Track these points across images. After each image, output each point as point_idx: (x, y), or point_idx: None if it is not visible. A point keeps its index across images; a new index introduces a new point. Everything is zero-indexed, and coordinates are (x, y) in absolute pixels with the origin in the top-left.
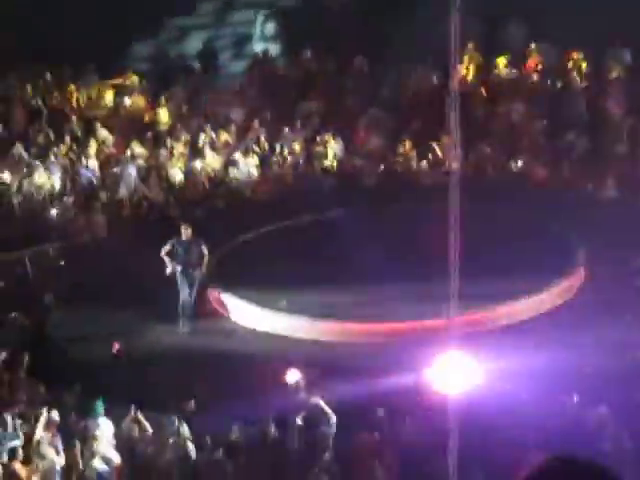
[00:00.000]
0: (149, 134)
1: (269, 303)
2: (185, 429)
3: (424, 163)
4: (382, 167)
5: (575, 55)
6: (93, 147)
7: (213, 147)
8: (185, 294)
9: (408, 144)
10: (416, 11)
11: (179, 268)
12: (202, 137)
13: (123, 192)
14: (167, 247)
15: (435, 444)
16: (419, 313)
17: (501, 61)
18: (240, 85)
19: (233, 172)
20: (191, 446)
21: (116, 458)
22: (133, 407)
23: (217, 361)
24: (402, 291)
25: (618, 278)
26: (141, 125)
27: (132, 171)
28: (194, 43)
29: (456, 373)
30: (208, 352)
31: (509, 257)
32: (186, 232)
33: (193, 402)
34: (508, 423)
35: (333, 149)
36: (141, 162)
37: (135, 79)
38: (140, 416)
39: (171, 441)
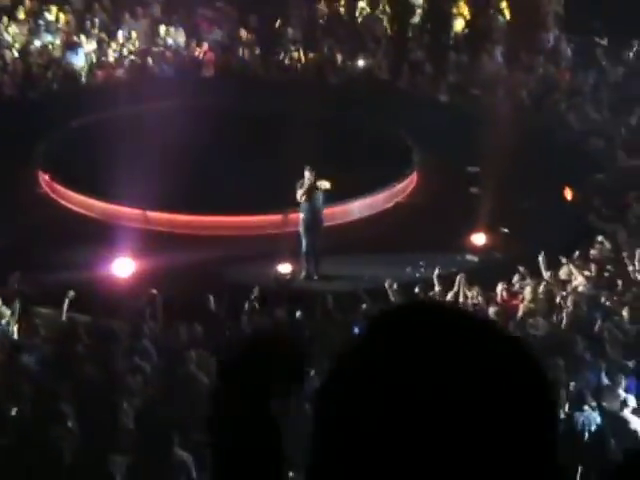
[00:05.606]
0: None
1: (99, 190)
2: None
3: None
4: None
5: None
6: None
7: (51, 29)
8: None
9: (250, 36)
10: None
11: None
12: (41, 18)
13: None
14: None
15: None
16: (253, 206)
17: None
18: None
19: (70, 55)
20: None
21: None
22: None
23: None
24: (235, 185)
25: (451, 184)
26: None
27: None
28: None
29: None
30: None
31: (344, 160)
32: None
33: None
34: None
35: (174, 38)
36: None
37: None
38: None
39: None
